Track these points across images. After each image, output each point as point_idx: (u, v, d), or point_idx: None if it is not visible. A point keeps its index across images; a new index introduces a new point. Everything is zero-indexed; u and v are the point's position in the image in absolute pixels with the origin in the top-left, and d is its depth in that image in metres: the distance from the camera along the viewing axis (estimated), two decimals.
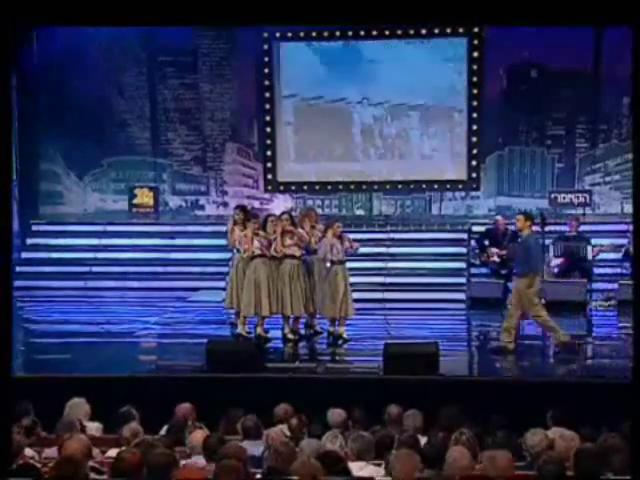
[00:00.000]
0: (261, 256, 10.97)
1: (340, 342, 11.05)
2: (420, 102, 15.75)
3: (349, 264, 11.27)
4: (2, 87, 5.63)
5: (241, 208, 11.82)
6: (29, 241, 15.62)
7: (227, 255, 11.74)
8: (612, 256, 13.44)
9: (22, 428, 6.74)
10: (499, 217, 14.09)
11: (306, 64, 15.83)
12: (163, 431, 7.28)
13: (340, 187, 16.14)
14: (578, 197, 15.20)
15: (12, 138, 12.14)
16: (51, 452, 6.52)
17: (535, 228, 10.83)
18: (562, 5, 7.36)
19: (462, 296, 13.59)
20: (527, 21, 8.68)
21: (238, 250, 11.22)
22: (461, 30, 15.37)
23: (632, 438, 5.36)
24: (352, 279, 11.43)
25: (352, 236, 11.61)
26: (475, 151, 15.75)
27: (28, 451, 6.42)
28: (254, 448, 6.59)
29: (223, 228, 11.99)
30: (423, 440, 6.42)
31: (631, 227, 13.01)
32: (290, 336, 11.17)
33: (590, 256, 13.33)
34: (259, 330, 11.20)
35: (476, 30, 15.28)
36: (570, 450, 5.99)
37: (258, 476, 5.53)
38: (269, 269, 10.98)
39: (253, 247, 10.94)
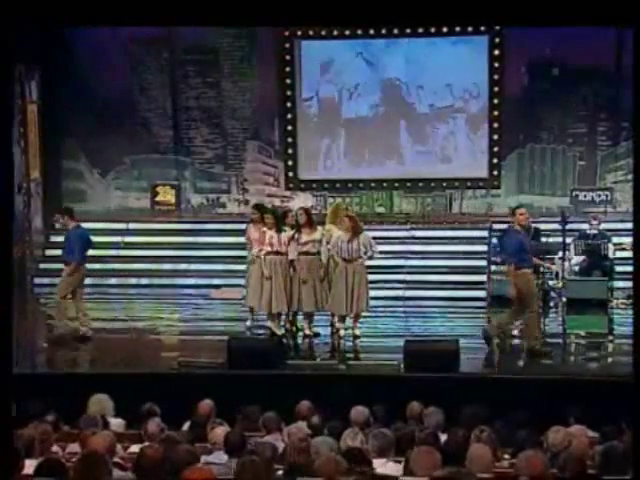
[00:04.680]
0: (277, 253, 11.03)
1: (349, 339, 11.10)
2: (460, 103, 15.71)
3: (370, 261, 11.27)
4: (3, 87, 5.60)
5: (257, 207, 11.89)
6: (52, 238, 15.70)
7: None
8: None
9: (48, 424, 6.79)
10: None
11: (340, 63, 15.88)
12: (185, 427, 7.32)
13: (361, 185, 16.12)
14: (599, 195, 15.12)
15: (12, 140, 12.26)
16: (74, 447, 6.58)
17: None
18: (563, 5, 7.31)
19: (482, 294, 13.56)
20: (527, 21, 8.63)
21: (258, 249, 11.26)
22: (482, 28, 15.29)
23: (634, 437, 5.29)
24: (373, 276, 11.44)
25: (373, 234, 11.59)
26: (496, 149, 15.68)
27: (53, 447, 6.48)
28: (275, 444, 6.61)
29: (244, 226, 12.04)
30: (444, 437, 6.43)
31: None
32: (307, 332, 11.25)
33: (611, 254, 13.27)
34: (273, 326, 11.27)
35: (497, 28, 15.20)
36: (589, 448, 5.98)
37: (279, 472, 5.54)
38: (286, 266, 11.05)
39: (269, 245, 11.01)
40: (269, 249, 10.99)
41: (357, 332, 11.06)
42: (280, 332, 11.17)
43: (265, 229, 11.06)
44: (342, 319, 11.08)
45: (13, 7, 5.74)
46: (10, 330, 5.20)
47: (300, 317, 11.41)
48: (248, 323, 11.60)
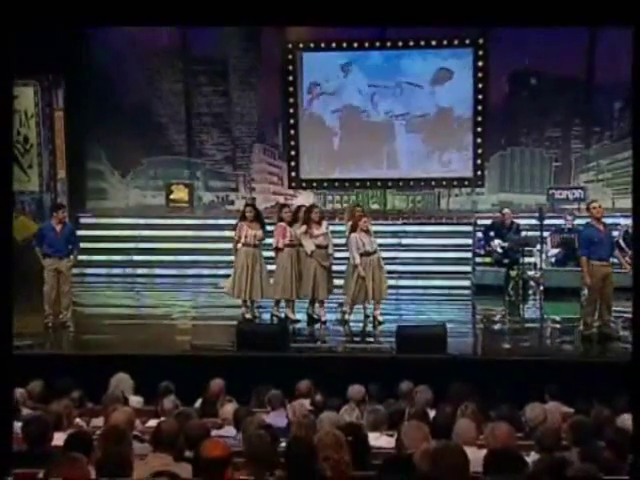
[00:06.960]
0: (293, 246, 11.10)
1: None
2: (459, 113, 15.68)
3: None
4: (4, 89, 5.52)
5: (247, 205, 11.93)
6: (77, 232, 15.69)
7: None
8: None
9: (73, 400, 6.82)
10: (507, 210, 14.03)
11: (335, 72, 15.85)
12: (197, 404, 7.34)
13: (357, 184, 16.14)
14: (573, 193, 15.14)
15: (11, 143, 12.20)
16: (98, 422, 6.61)
17: None
18: (563, 5, 7.22)
19: (467, 283, 13.59)
20: (528, 21, 8.51)
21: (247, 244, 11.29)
22: (467, 41, 15.32)
23: (634, 434, 5.25)
24: None
25: None
26: (480, 151, 15.70)
27: (78, 420, 6.51)
28: (279, 419, 6.65)
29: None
30: (432, 413, 6.45)
31: (621, 220, 13.01)
32: (314, 317, 11.31)
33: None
34: (289, 313, 11.31)
35: (481, 41, 15.23)
36: (564, 422, 6.01)
37: (283, 444, 5.57)
38: (296, 257, 11.13)
39: (289, 240, 11.10)
40: (288, 242, 11.08)
41: (380, 318, 11.13)
42: (294, 317, 11.23)
43: (284, 224, 11.15)
44: (352, 307, 11.18)
45: (16, 8, 5.62)
46: (10, 315, 5.16)
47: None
48: (248, 315, 11.53)
